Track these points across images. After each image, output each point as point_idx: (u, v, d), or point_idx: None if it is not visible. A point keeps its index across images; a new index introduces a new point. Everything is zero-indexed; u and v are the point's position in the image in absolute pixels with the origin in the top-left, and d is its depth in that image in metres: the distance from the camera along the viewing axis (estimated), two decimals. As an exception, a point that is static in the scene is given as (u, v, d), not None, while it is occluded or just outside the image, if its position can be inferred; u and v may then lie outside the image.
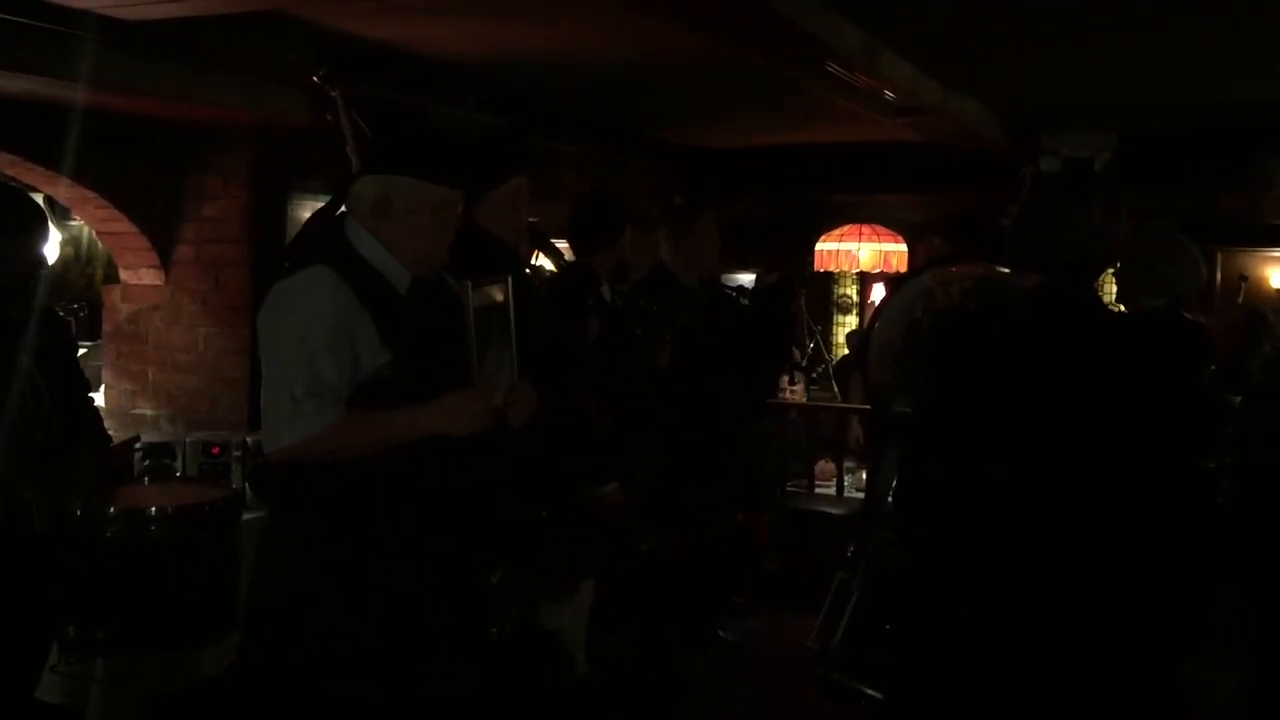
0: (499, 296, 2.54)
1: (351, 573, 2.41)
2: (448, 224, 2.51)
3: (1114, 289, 4.24)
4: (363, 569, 2.42)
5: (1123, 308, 4.04)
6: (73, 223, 7.02)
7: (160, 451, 4.45)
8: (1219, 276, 9.11)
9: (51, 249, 6.28)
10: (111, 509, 3.54)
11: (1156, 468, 2.77)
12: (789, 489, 6.54)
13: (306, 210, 5.16)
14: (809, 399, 7.54)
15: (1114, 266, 4.23)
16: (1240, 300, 8.49)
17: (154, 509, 3.60)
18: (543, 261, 4.78)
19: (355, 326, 2.37)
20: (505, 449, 2.64)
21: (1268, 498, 3.38)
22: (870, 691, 3.09)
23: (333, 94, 4.50)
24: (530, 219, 4.34)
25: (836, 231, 8.01)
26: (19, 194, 3.30)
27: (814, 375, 8.41)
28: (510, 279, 2.61)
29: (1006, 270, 3.56)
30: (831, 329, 10.68)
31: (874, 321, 4.33)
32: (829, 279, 10.28)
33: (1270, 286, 9.45)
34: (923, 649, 2.87)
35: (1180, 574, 2.92)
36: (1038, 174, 6.46)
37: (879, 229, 7.92)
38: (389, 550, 2.43)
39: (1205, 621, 3.41)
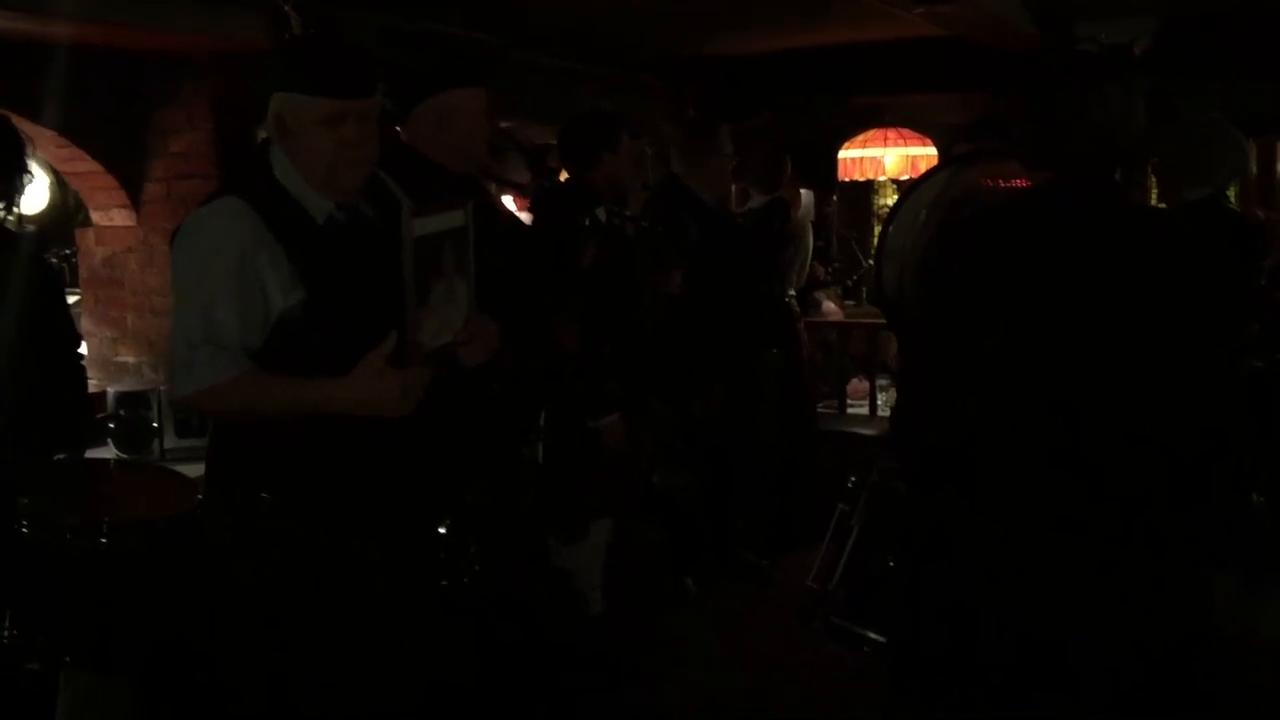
0: (456, 222, 2.25)
1: (275, 535, 2.23)
2: (353, 143, 2.22)
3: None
4: (287, 531, 2.23)
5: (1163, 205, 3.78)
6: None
7: (135, 401, 4.30)
8: (1279, 168, 8.59)
9: (40, 193, 6.09)
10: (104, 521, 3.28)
11: (1194, 375, 2.44)
12: (819, 410, 6.24)
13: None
14: (849, 313, 7.24)
15: (1149, 159, 3.92)
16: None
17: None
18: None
19: (263, 262, 2.16)
20: (456, 391, 2.39)
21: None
22: (873, 635, 2.82)
23: (286, 8, 4.25)
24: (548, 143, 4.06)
25: (860, 137, 7.57)
26: None
27: (849, 283, 8.11)
28: (471, 203, 2.32)
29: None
30: (872, 240, 10.26)
31: (886, 227, 4.00)
32: (868, 189, 9.81)
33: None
34: (929, 588, 2.59)
35: (1211, 485, 2.59)
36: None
37: (905, 132, 7.47)
38: (313, 510, 2.24)
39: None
